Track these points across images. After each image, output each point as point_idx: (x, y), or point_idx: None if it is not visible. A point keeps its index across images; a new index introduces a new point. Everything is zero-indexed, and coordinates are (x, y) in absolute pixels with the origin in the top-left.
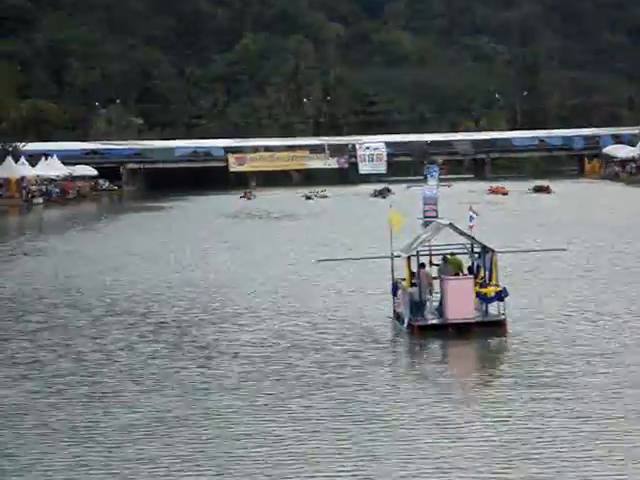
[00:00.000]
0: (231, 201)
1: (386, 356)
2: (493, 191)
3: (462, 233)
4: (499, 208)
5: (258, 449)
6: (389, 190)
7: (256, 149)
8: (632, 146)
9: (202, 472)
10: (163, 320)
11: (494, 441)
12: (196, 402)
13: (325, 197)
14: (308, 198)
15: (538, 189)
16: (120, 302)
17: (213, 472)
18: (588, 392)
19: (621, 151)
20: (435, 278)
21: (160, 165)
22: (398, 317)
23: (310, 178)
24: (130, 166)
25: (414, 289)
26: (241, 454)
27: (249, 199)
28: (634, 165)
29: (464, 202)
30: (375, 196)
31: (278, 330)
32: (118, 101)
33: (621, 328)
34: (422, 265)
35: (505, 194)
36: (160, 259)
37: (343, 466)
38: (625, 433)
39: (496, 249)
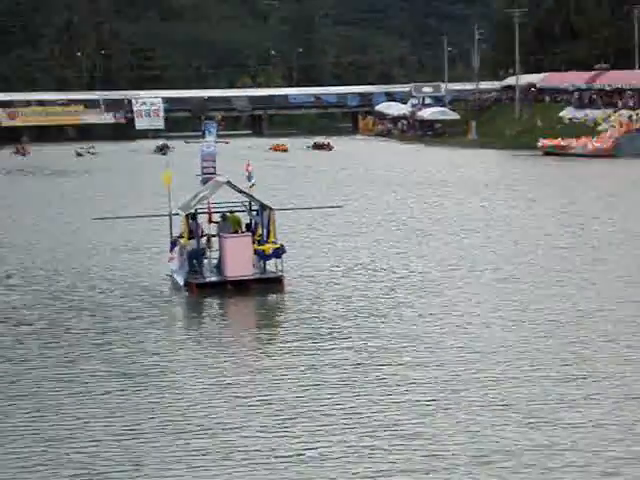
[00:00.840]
0: (3, 157)
1: (164, 315)
2: (274, 149)
3: (240, 191)
4: (279, 165)
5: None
6: (168, 147)
7: (29, 103)
8: (403, 104)
9: None
10: None
11: (268, 398)
12: None
13: (94, 154)
14: (79, 155)
15: (318, 146)
16: None
17: None
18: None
19: (393, 108)
20: (214, 236)
21: None
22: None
23: (86, 133)
24: None
25: (192, 241)
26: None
27: (24, 155)
28: (405, 122)
29: (244, 159)
30: (156, 152)
31: (54, 291)
32: None
33: (396, 284)
34: (194, 216)
35: (285, 151)
36: None
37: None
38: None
39: (273, 207)
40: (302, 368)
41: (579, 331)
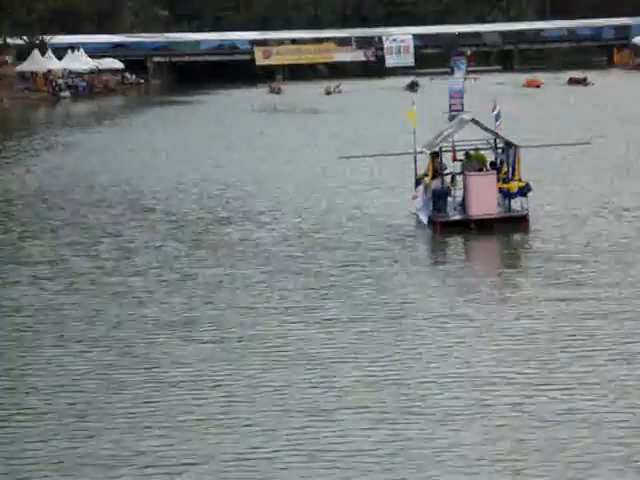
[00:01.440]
0: (258, 95)
1: (408, 253)
2: (528, 83)
3: (485, 128)
4: (531, 101)
5: (280, 349)
6: (418, 84)
7: (282, 42)
8: None
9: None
10: (186, 218)
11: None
12: (220, 300)
13: (340, 92)
14: (328, 93)
15: (574, 81)
16: (143, 199)
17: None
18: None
19: None
20: (459, 174)
21: (186, 58)
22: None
23: (337, 71)
24: (156, 59)
25: (436, 180)
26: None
27: (278, 93)
28: None
29: (494, 96)
30: (406, 90)
31: (302, 228)
32: None
33: None
34: (436, 154)
35: (538, 86)
36: (185, 155)
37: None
38: None
39: (519, 144)
40: (541, 314)
41: None
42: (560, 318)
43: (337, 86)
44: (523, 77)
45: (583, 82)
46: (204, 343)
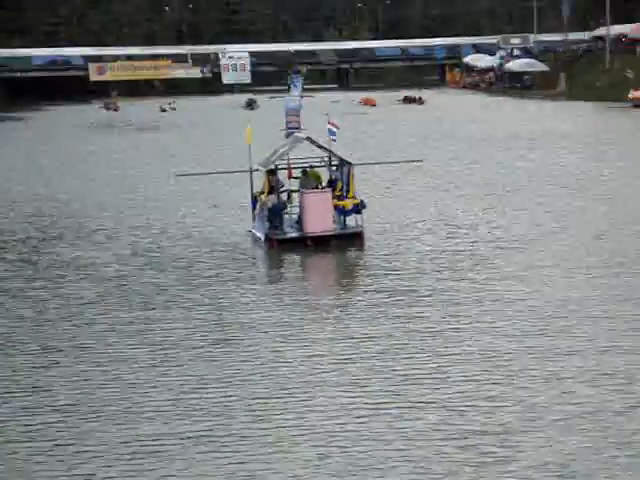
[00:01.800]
0: (93, 112)
1: (244, 271)
2: (365, 102)
3: (320, 146)
4: (366, 119)
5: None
6: (256, 102)
7: (117, 58)
8: (491, 56)
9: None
10: (17, 237)
11: (352, 356)
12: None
13: (174, 109)
14: (163, 110)
15: (409, 100)
16: None
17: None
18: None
19: (481, 61)
20: (294, 191)
21: (18, 75)
22: (257, 230)
23: (174, 88)
24: None
25: (272, 196)
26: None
27: (115, 110)
28: (493, 74)
29: (331, 113)
30: (245, 108)
31: (142, 246)
32: None
33: (478, 241)
34: (272, 172)
35: (374, 105)
36: (14, 173)
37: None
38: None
39: (353, 162)
40: (379, 333)
41: None
42: (394, 334)
43: (171, 103)
44: (359, 96)
45: (418, 101)
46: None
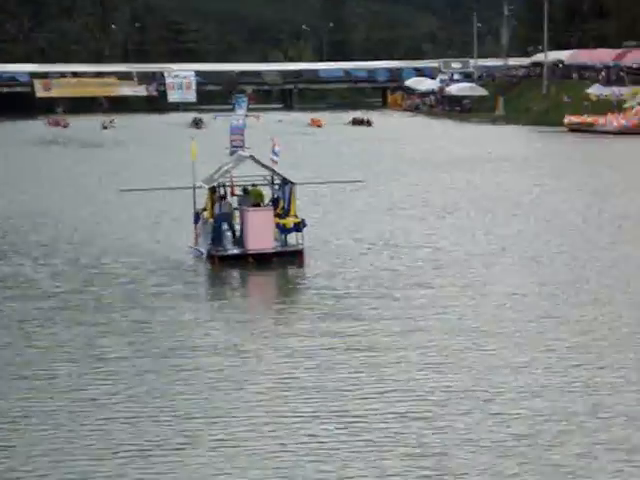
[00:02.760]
0: (38, 128)
1: (187, 287)
2: (313, 122)
3: (263, 165)
4: (312, 140)
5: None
6: (202, 121)
7: (63, 75)
8: (432, 79)
9: None
10: None
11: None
12: None
13: (115, 127)
14: (104, 127)
15: (357, 122)
16: None
17: None
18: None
19: (422, 84)
20: (236, 209)
21: None
22: (199, 247)
23: (120, 105)
24: None
25: (216, 206)
26: None
27: (65, 127)
28: (433, 98)
29: (276, 133)
30: (191, 126)
31: (79, 263)
32: None
33: (417, 262)
34: (223, 197)
35: (320, 126)
36: None
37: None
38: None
39: (295, 181)
40: (314, 348)
41: None
42: (332, 352)
43: (111, 120)
44: (307, 116)
45: (366, 123)
46: None
